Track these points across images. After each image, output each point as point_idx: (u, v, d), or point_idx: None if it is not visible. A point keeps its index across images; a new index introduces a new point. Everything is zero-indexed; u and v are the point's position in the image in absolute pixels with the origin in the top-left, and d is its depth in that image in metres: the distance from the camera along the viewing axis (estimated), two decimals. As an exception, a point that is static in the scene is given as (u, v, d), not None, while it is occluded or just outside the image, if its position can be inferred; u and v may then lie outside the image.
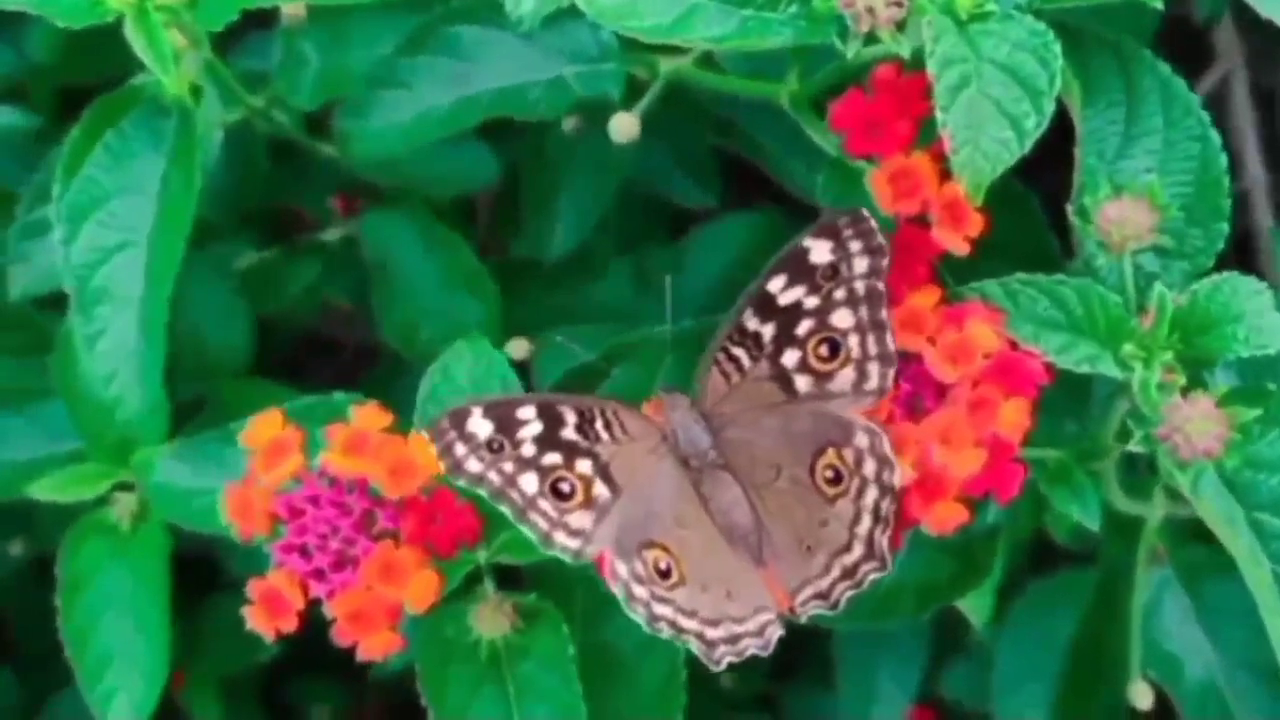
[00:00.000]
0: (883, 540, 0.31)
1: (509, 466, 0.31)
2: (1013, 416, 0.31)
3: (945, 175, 0.32)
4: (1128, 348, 0.31)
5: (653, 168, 0.51)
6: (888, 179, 0.32)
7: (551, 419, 0.32)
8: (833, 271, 0.31)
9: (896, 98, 0.33)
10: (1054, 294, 0.32)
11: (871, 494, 0.31)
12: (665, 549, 0.31)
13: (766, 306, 0.32)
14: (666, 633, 0.31)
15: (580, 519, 0.31)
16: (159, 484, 0.41)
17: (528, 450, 0.31)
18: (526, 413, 0.32)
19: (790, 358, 0.31)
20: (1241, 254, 0.40)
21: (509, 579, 0.36)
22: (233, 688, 0.55)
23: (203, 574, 0.50)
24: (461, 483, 0.32)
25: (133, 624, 0.42)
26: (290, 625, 0.33)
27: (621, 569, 0.31)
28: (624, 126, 0.39)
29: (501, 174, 0.48)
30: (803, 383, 0.31)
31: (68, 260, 0.40)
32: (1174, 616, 0.42)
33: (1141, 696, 0.41)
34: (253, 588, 0.33)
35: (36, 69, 0.51)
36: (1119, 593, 0.42)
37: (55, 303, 0.42)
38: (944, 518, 0.31)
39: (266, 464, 0.34)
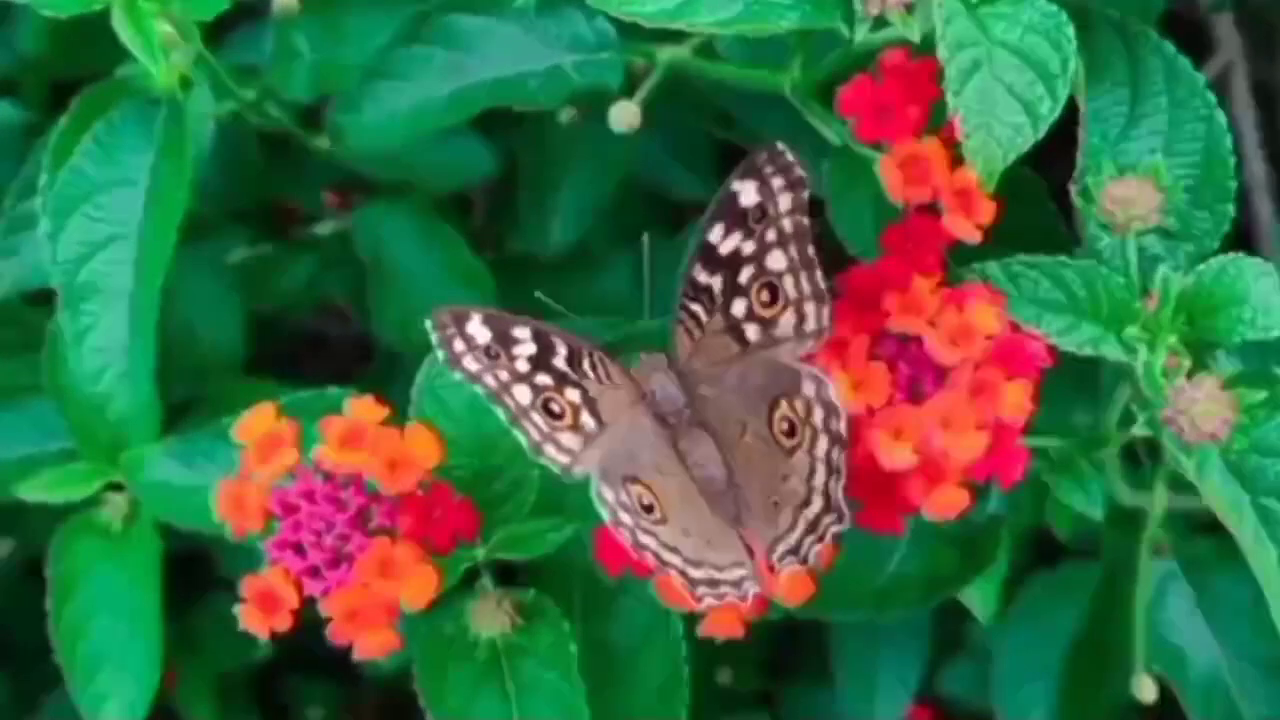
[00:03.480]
0: (838, 490, 0.30)
1: (504, 375, 0.31)
2: (1015, 399, 0.30)
3: (956, 162, 0.31)
4: (1132, 330, 0.31)
5: (651, 161, 0.50)
6: (897, 165, 0.32)
7: (544, 346, 0.31)
8: (761, 213, 0.30)
9: (906, 83, 0.33)
10: (1056, 276, 0.31)
11: (823, 444, 0.30)
12: (648, 488, 0.31)
13: (711, 258, 0.31)
14: (651, 561, 0.31)
15: (569, 439, 0.31)
16: (151, 482, 0.41)
17: (522, 366, 0.31)
18: (522, 333, 0.31)
19: (739, 307, 0.31)
20: (1240, 247, 0.40)
21: (507, 575, 0.36)
22: (226, 687, 0.55)
23: (196, 572, 0.50)
24: (457, 376, 0.31)
25: (124, 626, 0.41)
26: (284, 624, 0.32)
27: (608, 494, 0.31)
28: (624, 115, 0.38)
29: (498, 168, 0.47)
30: (752, 332, 0.31)
31: (54, 254, 0.39)
32: (1178, 610, 0.42)
33: (1145, 690, 0.41)
34: (246, 586, 0.33)
35: (27, 62, 0.50)
36: (1122, 587, 0.42)
37: (49, 298, 0.42)
38: (945, 503, 0.30)
39: (260, 459, 0.33)
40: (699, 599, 0.31)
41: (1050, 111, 0.30)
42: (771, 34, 0.31)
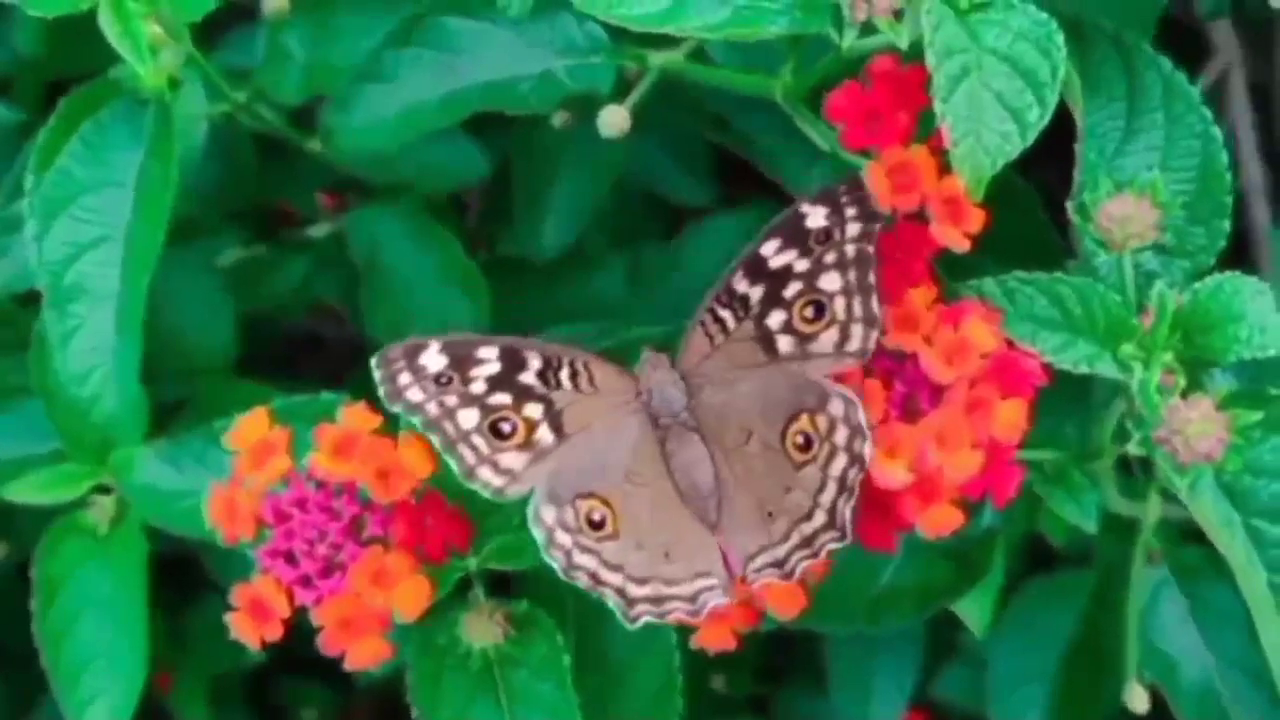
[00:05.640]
0: (846, 510, 0.30)
1: (452, 400, 0.31)
2: (1010, 417, 0.30)
3: (945, 169, 0.31)
4: (1127, 348, 0.31)
5: (647, 164, 0.50)
6: (885, 173, 0.32)
7: (512, 362, 0.32)
8: (826, 236, 0.31)
9: (895, 90, 0.32)
10: (1052, 292, 0.31)
11: (840, 462, 0.30)
12: (604, 502, 0.31)
13: (758, 269, 0.31)
14: (583, 583, 0.31)
15: (512, 459, 0.31)
16: (140, 485, 0.40)
17: (477, 388, 0.31)
18: (487, 353, 0.32)
19: (775, 319, 0.31)
20: (1237, 251, 0.40)
21: (499, 586, 0.36)
22: (220, 689, 0.55)
23: (190, 574, 0.50)
24: (395, 409, 0.31)
25: (110, 629, 0.41)
26: (275, 633, 0.32)
27: (548, 515, 0.31)
28: (613, 120, 0.38)
29: (491, 170, 0.47)
30: (785, 343, 0.31)
31: (40, 256, 0.39)
32: (1170, 618, 0.42)
33: (1137, 700, 0.41)
34: (237, 594, 0.33)
35: (22, 62, 0.50)
36: (1115, 594, 0.42)
37: (40, 298, 0.41)
38: (939, 521, 0.30)
39: (252, 466, 0.33)
40: (634, 619, 0.31)
41: (1039, 119, 0.29)
42: (762, 39, 0.31)
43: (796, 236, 0.31)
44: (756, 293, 0.31)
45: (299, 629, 0.33)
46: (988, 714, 0.51)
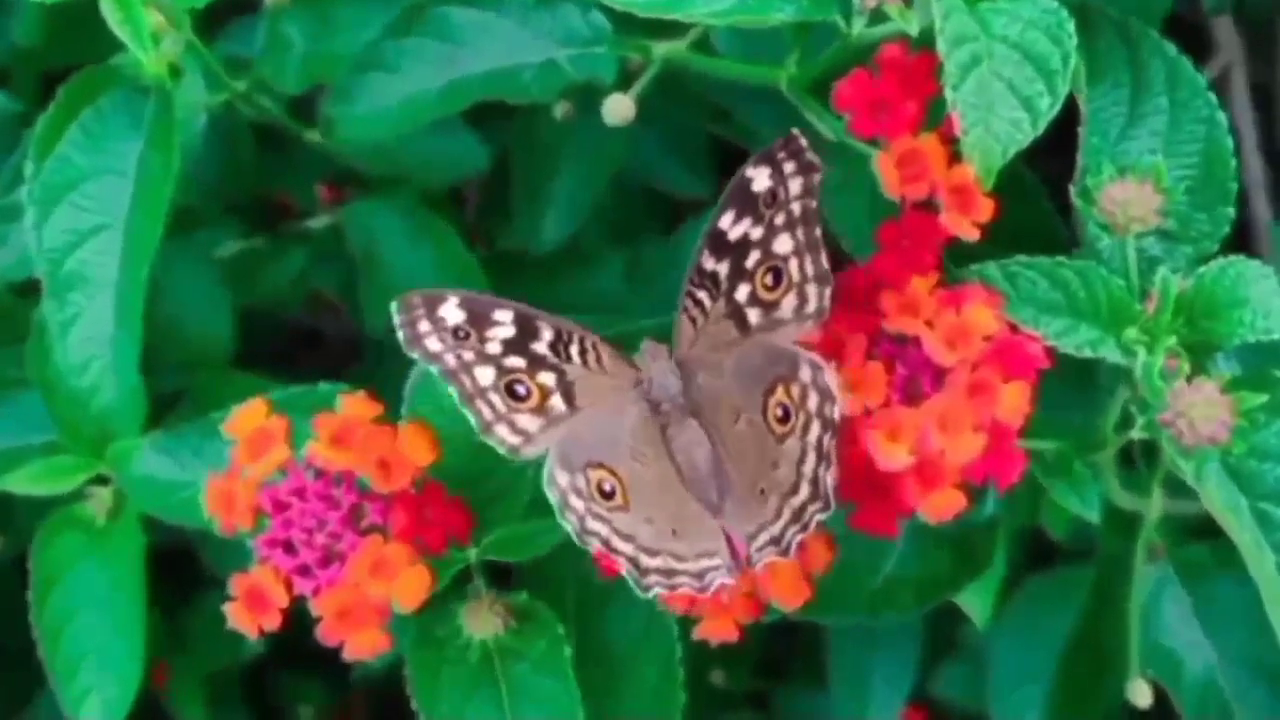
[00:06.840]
0: (827, 478, 0.30)
1: (469, 355, 0.31)
2: (1012, 401, 0.30)
3: (954, 158, 0.31)
4: (1130, 332, 0.31)
5: (647, 157, 0.50)
6: (895, 162, 0.31)
7: (527, 330, 0.32)
8: (772, 197, 0.31)
9: (904, 78, 0.32)
10: (1055, 276, 0.31)
11: (815, 430, 0.30)
12: (614, 474, 0.31)
13: (720, 244, 0.31)
14: (596, 547, 0.31)
15: (528, 421, 0.31)
16: (138, 476, 0.40)
17: (493, 348, 0.31)
18: (503, 316, 0.32)
19: (742, 292, 0.31)
20: (1237, 247, 0.40)
21: (499, 577, 0.35)
22: (216, 686, 0.54)
23: (187, 570, 0.49)
24: (414, 355, 0.31)
25: (107, 622, 0.41)
26: (273, 623, 0.32)
27: (561, 478, 0.31)
28: (618, 108, 0.38)
29: (490, 162, 0.47)
30: (753, 315, 0.31)
31: (39, 244, 0.39)
32: (1173, 614, 0.42)
33: (1140, 695, 0.41)
34: (235, 584, 0.32)
35: (20, 52, 0.50)
36: (1117, 590, 0.42)
37: (37, 289, 0.41)
38: (942, 505, 0.30)
39: (250, 455, 0.33)
40: (647, 588, 0.31)
41: (1050, 108, 0.29)
42: (768, 27, 0.31)
43: (748, 203, 0.31)
44: (723, 269, 0.31)
45: (296, 626, 0.32)
46: (988, 712, 0.50)
